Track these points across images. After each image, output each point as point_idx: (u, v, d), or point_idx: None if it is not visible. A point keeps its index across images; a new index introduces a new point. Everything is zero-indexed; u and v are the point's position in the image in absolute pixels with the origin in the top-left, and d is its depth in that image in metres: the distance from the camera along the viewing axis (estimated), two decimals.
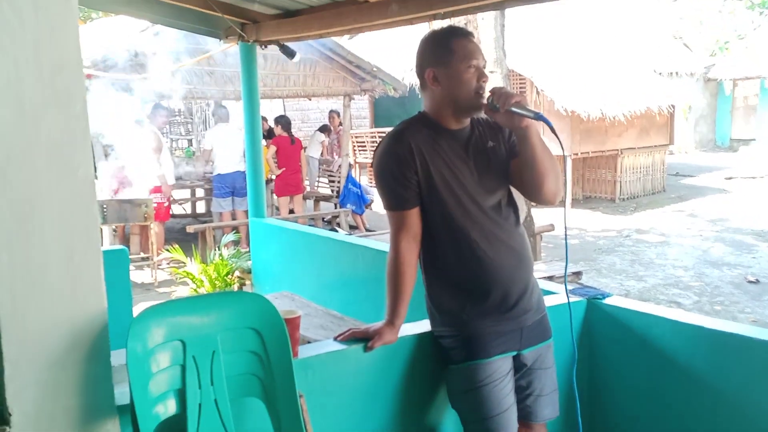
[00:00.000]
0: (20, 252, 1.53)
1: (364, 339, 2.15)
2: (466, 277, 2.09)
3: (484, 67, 2.09)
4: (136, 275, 6.96)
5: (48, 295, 1.57)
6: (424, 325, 2.27)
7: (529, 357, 2.15)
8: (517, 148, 2.07)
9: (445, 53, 2.05)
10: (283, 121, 9.03)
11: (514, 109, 1.92)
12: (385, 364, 2.20)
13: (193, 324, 1.76)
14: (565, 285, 2.28)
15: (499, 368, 2.08)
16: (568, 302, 2.22)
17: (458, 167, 2.07)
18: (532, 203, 6.41)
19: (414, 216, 2.10)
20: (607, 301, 2.62)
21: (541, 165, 2.02)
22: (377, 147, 2.16)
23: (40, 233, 1.56)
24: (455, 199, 2.06)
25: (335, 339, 2.19)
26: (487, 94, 2.04)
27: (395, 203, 2.11)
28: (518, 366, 2.15)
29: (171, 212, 8.65)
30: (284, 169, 8.75)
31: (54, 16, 1.55)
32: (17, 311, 1.53)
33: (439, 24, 5.05)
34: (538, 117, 1.94)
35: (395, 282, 2.12)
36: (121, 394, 1.72)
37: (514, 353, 2.13)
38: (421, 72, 2.12)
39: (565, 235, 2.18)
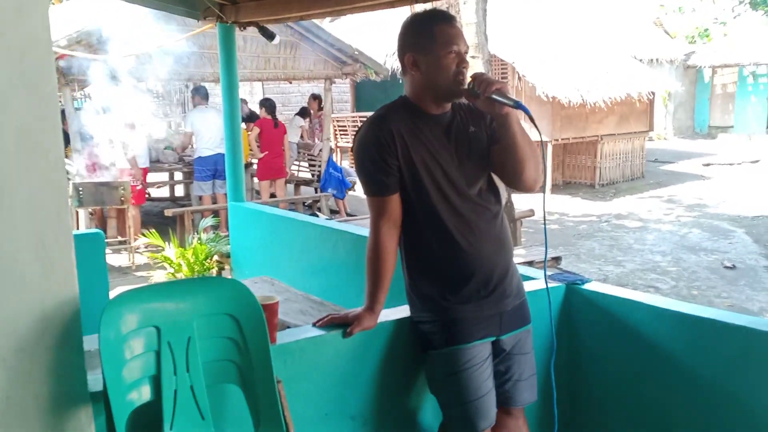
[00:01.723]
0: None
1: (343, 325, 2.14)
2: (446, 263, 2.08)
3: (466, 53, 2.06)
4: (114, 259, 6.89)
5: (18, 280, 1.53)
6: (403, 311, 2.26)
7: (508, 342, 2.15)
8: (498, 135, 2.05)
9: (425, 38, 2.02)
10: (268, 105, 8.94)
11: (494, 96, 1.90)
12: (364, 350, 2.19)
13: (168, 310, 1.73)
14: (545, 271, 2.28)
15: (479, 353, 2.08)
16: (547, 287, 2.22)
17: (439, 152, 2.06)
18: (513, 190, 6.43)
19: (394, 202, 2.08)
20: (587, 286, 2.63)
21: (521, 152, 2.01)
22: (358, 132, 2.13)
23: (9, 218, 1.51)
24: (436, 184, 2.05)
25: (314, 325, 2.18)
26: (468, 79, 2.02)
27: (375, 189, 2.09)
28: (497, 351, 2.15)
29: (148, 195, 8.55)
30: (267, 152, 8.68)
31: None
32: None
33: (421, 7, 5.01)
34: (518, 106, 1.92)
35: (375, 268, 2.11)
36: (95, 381, 1.69)
37: (494, 338, 2.13)
38: (401, 57, 2.10)
39: (545, 222, 2.18)
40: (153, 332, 1.69)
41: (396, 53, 2.17)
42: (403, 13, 5.49)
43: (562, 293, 2.66)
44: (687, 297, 5.89)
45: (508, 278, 2.14)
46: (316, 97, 11.50)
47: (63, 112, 8.08)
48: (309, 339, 2.09)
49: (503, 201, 2.29)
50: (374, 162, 2.05)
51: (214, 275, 5.25)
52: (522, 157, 2.02)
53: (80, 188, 6.60)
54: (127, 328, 1.64)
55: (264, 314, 1.85)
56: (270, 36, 4.84)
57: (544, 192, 2.11)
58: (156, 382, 1.67)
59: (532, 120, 1.97)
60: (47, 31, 1.57)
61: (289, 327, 3.46)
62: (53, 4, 14.68)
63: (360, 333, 2.11)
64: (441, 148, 2.06)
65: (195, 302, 1.77)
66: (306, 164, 10.63)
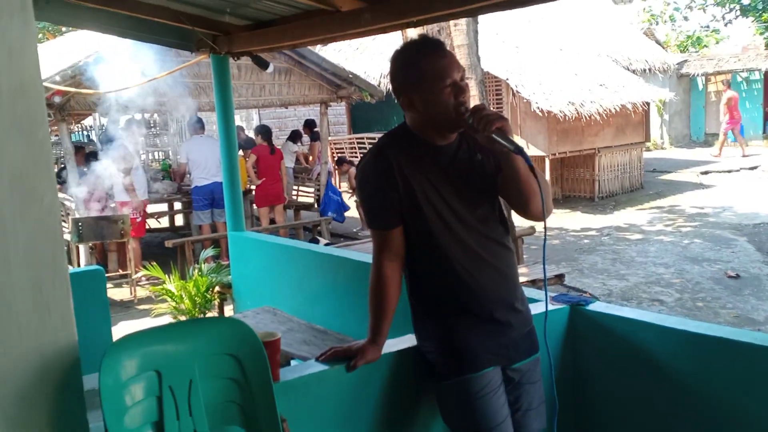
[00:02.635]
0: None
1: (346, 358, 2.11)
2: (450, 296, 2.05)
3: (462, 78, 1.98)
4: (115, 293, 6.86)
5: (15, 329, 1.50)
6: (407, 341, 2.24)
7: (517, 372, 2.11)
8: (501, 167, 1.98)
9: (415, 77, 1.95)
10: (263, 131, 8.98)
11: (494, 136, 1.81)
12: (369, 383, 2.16)
13: (169, 353, 1.71)
14: (545, 298, 2.26)
15: (492, 380, 2.04)
16: (546, 310, 2.17)
17: (442, 184, 2.00)
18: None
19: (397, 235, 2.05)
20: (591, 307, 2.60)
21: (525, 186, 1.94)
22: (359, 163, 2.11)
23: (4, 266, 1.50)
24: (438, 216, 2.00)
25: (317, 359, 2.14)
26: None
27: (377, 223, 2.06)
28: (506, 380, 2.11)
29: (147, 227, 8.54)
30: (264, 179, 8.69)
31: (12, 41, 1.50)
32: None
33: (413, 32, 5.03)
34: (518, 152, 1.83)
35: (378, 300, 2.08)
36: (97, 428, 1.65)
37: (502, 366, 2.09)
38: (397, 98, 2.03)
39: (544, 244, 2.15)
40: (154, 376, 1.66)
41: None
42: (396, 37, 5.51)
43: (566, 315, 2.64)
44: (692, 309, 5.85)
45: (515, 310, 2.10)
46: (308, 125, 11.59)
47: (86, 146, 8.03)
48: (312, 375, 2.06)
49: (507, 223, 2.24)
50: (375, 196, 2.03)
51: (215, 306, 5.22)
52: (526, 191, 1.95)
53: (80, 223, 6.59)
54: (127, 374, 1.62)
55: (265, 352, 1.83)
56: (264, 65, 4.86)
57: (544, 216, 2.04)
58: (159, 428, 1.64)
59: (532, 169, 1.87)
60: (38, 76, 1.57)
61: (292, 358, 3.44)
62: (47, 39, 14.79)
63: (364, 366, 2.08)
64: (443, 179, 2.01)
65: (195, 343, 1.75)
66: (306, 188, 10.64)
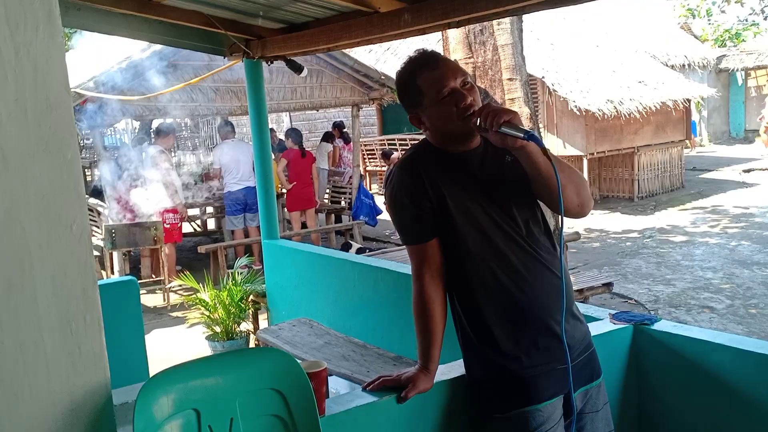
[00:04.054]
0: (11, 323, 1.36)
1: (396, 388, 1.95)
2: (498, 314, 1.86)
3: (463, 83, 1.85)
4: (148, 299, 6.80)
5: (43, 370, 1.39)
6: (460, 367, 2.07)
7: (578, 399, 1.93)
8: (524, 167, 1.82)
9: (416, 95, 1.88)
10: (294, 135, 8.89)
11: (502, 129, 1.68)
12: (423, 415, 2.00)
13: (208, 388, 1.57)
14: (563, 323, 2.08)
15: (554, 413, 1.86)
16: (562, 307, 2.01)
17: (476, 192, 1.86)
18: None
19: (434, 248, 1.90)
20: (657, 326, 2.41)
21: (551, 181, 1.77)
22: (387, 178, 1.98)
23: (32, 300, 1.38)
24: (476, 226, 1.85)
25: (364, 389, 1.99)
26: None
27: (412, 237, 1.92)
28: (567, 411, 1.93)
29: (196, 229, 8.50)
30: (295, 183, 8.59)
31: (37, 55, 1.38)
32: (10, 390, 1.36)
33: (453, 33, 4.86)
34: (530, 137, 1.69)
35: (423, 322, 1.92)
36: None
37: (562, 396, 1.91)
38: (408, 117, 1.97)
39: (561, 234, 1.96)
40: (192, 416, 1.53)
41: None
42: (434, 38, 5.34)
43: (629, 335, 2.45)
44: (745, 316, 5.58)
45: (571, 326, 1.92)
46: (337, 126, 11.51)
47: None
48: (360, 407, 1.90)
49: (551, 228, 2.06)
50: (406, 209, 1.90)
51: (249, 316, 5.11)
52: (554, 187, 1.78)
53: (113, 230, 6.54)
54: (163, 413, 1.49)
55: (311, 384, 1.69)
56: (298, 69, 4.73)
57: (561, 216, 1.80)
58: None
59: (545, 152, 1.72)
60: (67, 92, 1.45)
61: (331, 375, 3.29)
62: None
63: (416, 396, 1.93)
64: (476, 187, 1.87)
65: (236, 378, 1.61)
66: (337, 192, 10.52)
